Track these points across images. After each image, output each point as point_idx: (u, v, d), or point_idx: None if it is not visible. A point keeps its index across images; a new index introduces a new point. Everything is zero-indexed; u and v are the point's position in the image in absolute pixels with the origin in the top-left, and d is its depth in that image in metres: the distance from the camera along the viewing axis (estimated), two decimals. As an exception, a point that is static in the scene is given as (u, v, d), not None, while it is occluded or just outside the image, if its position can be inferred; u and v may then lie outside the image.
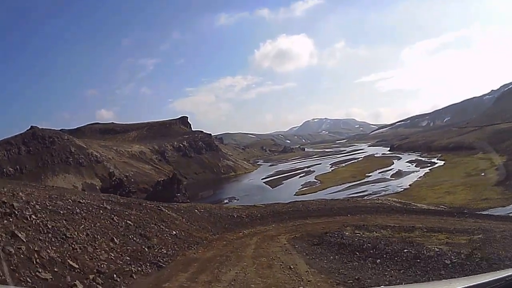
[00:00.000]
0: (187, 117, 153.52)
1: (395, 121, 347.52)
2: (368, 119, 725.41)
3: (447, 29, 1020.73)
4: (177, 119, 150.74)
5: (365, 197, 51.62)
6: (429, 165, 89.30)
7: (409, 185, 64.92)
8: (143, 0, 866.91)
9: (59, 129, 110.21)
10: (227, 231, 19.89)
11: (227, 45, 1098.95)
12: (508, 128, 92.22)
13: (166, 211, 20.01)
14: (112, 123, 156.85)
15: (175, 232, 15.83)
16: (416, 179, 70.91)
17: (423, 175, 74.88)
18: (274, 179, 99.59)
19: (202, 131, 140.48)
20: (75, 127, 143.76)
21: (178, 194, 68.02)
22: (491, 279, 2.10)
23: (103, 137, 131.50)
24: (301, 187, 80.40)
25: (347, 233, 13.65)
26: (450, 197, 46.59)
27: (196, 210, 23.64)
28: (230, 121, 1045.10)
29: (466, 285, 2.08)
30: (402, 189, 60.78)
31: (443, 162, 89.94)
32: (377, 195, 55.90)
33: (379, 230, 14.02)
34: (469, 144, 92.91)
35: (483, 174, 61.16)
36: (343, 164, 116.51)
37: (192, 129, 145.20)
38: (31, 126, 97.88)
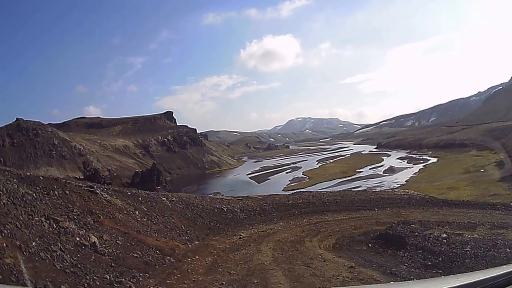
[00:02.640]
0: (172, 112, 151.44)
1: (379, 121, 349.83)
2: (351, 119, 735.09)
3: (432, 33, 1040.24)
4: (162, 113, 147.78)
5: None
6: (421, 161, 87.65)
7: (406, 180, 62.27)
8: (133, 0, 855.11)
9: (47, 123, 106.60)
10: (213, 233, 14.20)
11: (214, 44, 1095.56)
12: (501, 127, 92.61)
13: (105, 196, 12.95)
14: (98, 117, 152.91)
15: (94, 240, 8.60)
16: (411, 175, 68.60)
17: (418, 171, 72.85)
18: (260, 174, 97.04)
19: (187, 126, 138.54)
20: (62, 121, 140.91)
21: (158, 187, 62.52)
22: (497, 274, 2.05)
23: (89, 131, 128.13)
24: (289, 182, 77.23)
25: (444, 235, 8.98)
26: (453, 193, 43.63)
27: (164, 199, 16.82)
28: (215, 119, 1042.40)
29: (475, 279, 2.00)
30: (398, 185, 57.72)
31: (436, 159, 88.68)
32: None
33: (437, 227, 9.87)
34: (461, 141, 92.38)
35: (482, 170, 59.39)
36: (331, 161, 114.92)
37: (177, 124, 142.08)
38: (16, 118, 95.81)
